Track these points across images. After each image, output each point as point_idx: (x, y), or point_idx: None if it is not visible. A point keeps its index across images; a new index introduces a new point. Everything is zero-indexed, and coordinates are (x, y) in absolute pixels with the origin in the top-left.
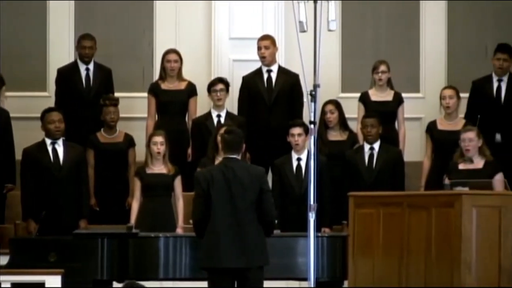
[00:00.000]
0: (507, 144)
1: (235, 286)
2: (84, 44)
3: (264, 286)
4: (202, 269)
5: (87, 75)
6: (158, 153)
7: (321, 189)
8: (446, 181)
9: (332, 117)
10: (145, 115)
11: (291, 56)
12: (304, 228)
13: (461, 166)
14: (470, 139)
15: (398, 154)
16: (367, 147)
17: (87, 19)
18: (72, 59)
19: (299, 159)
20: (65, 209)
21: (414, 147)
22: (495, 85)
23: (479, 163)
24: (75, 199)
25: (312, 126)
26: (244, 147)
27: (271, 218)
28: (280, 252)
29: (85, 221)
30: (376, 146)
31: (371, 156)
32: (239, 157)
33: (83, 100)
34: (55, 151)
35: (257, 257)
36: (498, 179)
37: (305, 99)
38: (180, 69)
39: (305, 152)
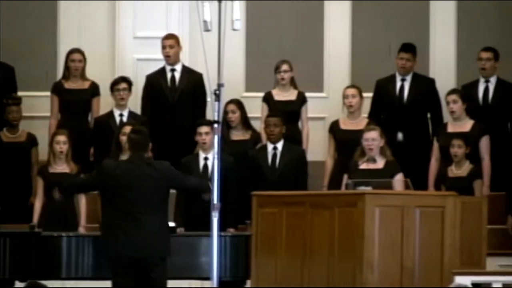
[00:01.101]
0: (408, 143)
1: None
2: None
3: (167, 285)
4: (108, 259)
5: None
6: (61, 152)
7: (226, 188)
8: (347, 180)
9: (234, 116)
10: (48, 114)
11: (196, 56)
12: (209, 227)
13: (362, 166)
14: (373, 139)
15: (301, 154)
16: (270, 146)
17: None
18: None
19: (206, 158)
20: None
21: (318, 147)
22: (398, 84)
23: (379, 163)
24: None
25: (216, 125)
26: (150, 147)
27: (206, 188)
28: (183, 252)
29: None
30: (280, 145)
31: (274, 155)
32: (145, 156)
33: None
34: None
35: (158, 248)
36: (398, 179)
37: (209, 99)
38: (83, 69)
39: (212, 152)
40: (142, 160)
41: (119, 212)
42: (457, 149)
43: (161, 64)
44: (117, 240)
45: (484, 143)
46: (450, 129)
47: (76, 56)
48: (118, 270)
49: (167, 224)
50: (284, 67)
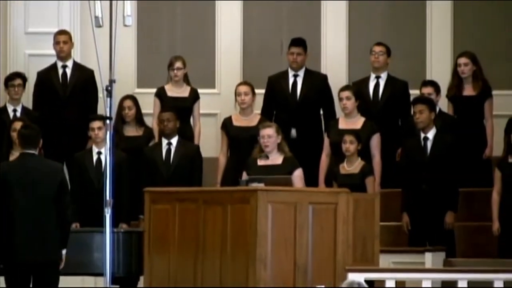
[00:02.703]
0: (302, 139)
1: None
2: None
3: (61, 283)
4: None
5: None
6: None
7: (119, 184)
8: (244, 177)
9: (130, 113)
10: None
11: (87, 52)
12: (102, 222)
13: (260, 162)
14: (269, 135)
15: (195, 150)
16: (164, 142)
17: None
18: None
19: (99, 153)
20: None
21: (210, 143)
22: (291, 80)
23: (278, 159)
24: None
25: (108, 121)
26: (41, 143)
27: (68, 218)
28: (76, 248)
29: None
30: (174, 141)
31: (168, 151)
32: (36, 152)
33: None
34: None
35: (53, 251)
36: (297, 175)
37: (100, 95)
38: None
39: (105, 146)
40: (33, 157)
41: (13, 214)
42: (349, 144)
43: (52, 60)
44: (10, 243)
45: (375, 141)
46: (342, 125)
47: None
48: (10, 272)
49: (63, 220)
50: (178, 64)
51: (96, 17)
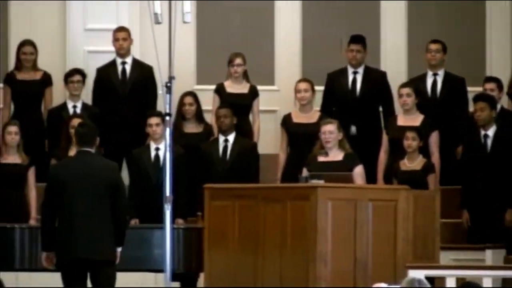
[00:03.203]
0: (361, 136)
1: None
2: None
3: (120, 278)
4: (58, 261)
5: None
6: (12, 143)
7: (176, 180)
8: (304, 173)
9: (191, 109)
10: (0, 105)
11: (146, 48)
12: (160, 218)
13: (320, 159)
14: (331, 132)
15: (252, 146)
16: (221, 138)
17: None
18: None
19: (157, 149)
20: None
21: (269, 140)
22: (351, 77)
23: (338, 155)
24: None
25: (168, 117)
26: (98, 141)
27: (123, 217)
28: (136, 244)
29: None
30: (231, 138)
31: (225, 147)
32: (92, 150)
33: None
34: None
35: (108, 249)
36: (358, 172)
37: (160, 91)
38: (35, 60)
39: (163, 142)
40: (89, 155)
41: (69, 211)
42: (411, 141)
43: (111, 56)
44: (66, 239)
45: (434, 138)
46: (400, 122)
47: (27, 48)
48: (67, 269)
49: (118, 220)
50: (238, 60)
51: (156, 14)
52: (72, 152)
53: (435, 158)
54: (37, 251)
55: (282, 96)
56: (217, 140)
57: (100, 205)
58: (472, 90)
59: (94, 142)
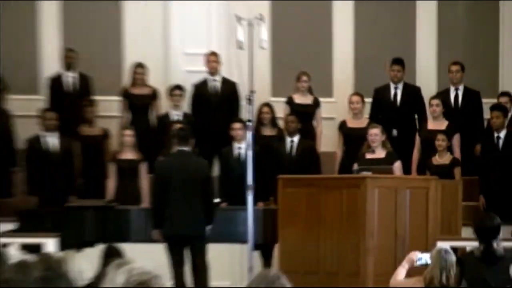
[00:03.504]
0: (401, 138)
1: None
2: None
3: (213, 248)
4: (164, 236)
5: None
6: (129, 143)
7: (255, 172)
8: (356, 167)
9: (267, 117)
10: (119, 114)
11: (232, 68)
12: (243, 202)
13: (368, 156)
14: (376, 134)
15: (312, 146)
16: (288, 139)
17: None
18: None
19: (239, 148)
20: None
21: (329, 141)
22: (392, 91)
23: (382, 153)
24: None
25: (249, 123)
26: (194, 141)
27: (211, 202)
28: (225, 222)
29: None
30: (296, 139)
31: (291, 146)
32: (189, 149)
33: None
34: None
35: (200, 227)
36: (397, 166)
37: (243, 102)
38: (145, 78)
39: (245, 143)
40: (186, 153)
41: (171, 197)
42: (441, 142)
43: (204, 75)
44: (169, 219)
45: (456, 140)
46: (430, 126)
47: (139, 69)
48: (170, 243)
49: (208, 205)
50: (304, 77)
51: (239, 41)
52: (173, 150)
53: (457, 155)
54: (148, 227)
55: (339, 106)
56: (285, 140)
57: (194, 192)
58: (487, 101)
59: (190, 142)
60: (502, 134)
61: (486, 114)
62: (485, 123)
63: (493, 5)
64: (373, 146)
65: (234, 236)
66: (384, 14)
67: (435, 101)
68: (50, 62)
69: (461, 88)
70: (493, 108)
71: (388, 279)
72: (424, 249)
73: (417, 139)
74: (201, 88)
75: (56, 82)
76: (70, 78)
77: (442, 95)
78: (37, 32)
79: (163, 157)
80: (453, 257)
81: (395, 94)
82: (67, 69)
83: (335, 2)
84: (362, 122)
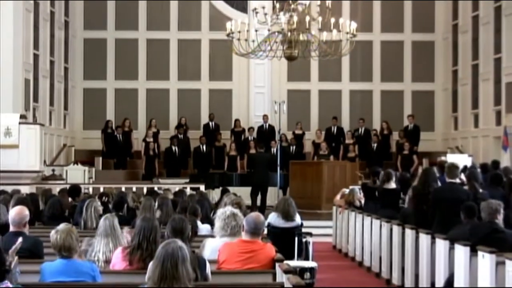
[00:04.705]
0: None
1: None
2: None
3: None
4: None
5: None
6: None
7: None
8: None
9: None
10: None
11: (271, 120)
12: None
13: None
14: None
15: None
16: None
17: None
18: None
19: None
20: None
21: None
22: None
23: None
24: None
25: (278, 141)
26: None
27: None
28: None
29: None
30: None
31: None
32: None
33: None
34: None
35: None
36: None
37: (277, 134)
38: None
39: (276, 148)
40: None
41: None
42: None
43: (262, 122)
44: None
45: None
46: None
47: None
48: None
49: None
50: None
51: (274, 110)
52: None
53: None
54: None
55: None
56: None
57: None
58: None
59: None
60: None
61: None
62: None
63: None
64: None
65: (274, 183)
66: None
67: None
68: None
69: None
70: None
71: (331, 201)
72: (346, 187)
73: None
74: (260, 127)
75: None
76: None
77: None
78: None
79: None
80: (356, 188)
81: None
82: None
83: None
84: None
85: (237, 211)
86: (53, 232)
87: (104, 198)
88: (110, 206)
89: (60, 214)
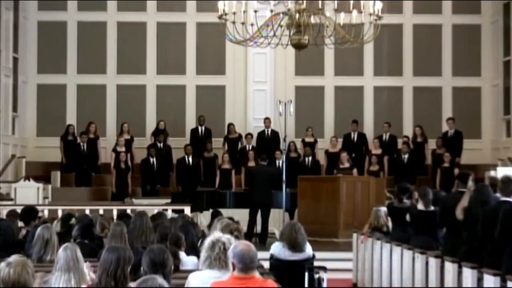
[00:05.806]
0: None
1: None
2: None
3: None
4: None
5: None
6: None
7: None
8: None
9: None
10: None
11: (275, 124)
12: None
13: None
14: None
15: None
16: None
17: None
18: None
19: (280, 162)
20: None
21: None
22: None
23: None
24: None
25: (284, 151)
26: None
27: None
28: (275, 197)
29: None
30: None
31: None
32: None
33: None
34: None
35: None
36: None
37: (281, 141)
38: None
39: (281, 160)
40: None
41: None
42: None
43: (263, 127)
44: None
45: None
46: None
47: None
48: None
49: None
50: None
51: (280, 112)
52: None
53: None
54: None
55: None
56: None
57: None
58: None
59: (262, 157)
60: None
61: None
62: None
63: None
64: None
65: (278, 204)
66: None
67: None
68: None
69: None
70: None
71: (350, 227)
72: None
73: None
74: (261, 133)
75: None
76: None
77: None
78: None
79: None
80: (382, 209)
81: None
82: None
83: None
84: None
85: (232, 238)
86: (3, 264)
87: (71, 219)
88: (73, 232)
89: (13, 243)
